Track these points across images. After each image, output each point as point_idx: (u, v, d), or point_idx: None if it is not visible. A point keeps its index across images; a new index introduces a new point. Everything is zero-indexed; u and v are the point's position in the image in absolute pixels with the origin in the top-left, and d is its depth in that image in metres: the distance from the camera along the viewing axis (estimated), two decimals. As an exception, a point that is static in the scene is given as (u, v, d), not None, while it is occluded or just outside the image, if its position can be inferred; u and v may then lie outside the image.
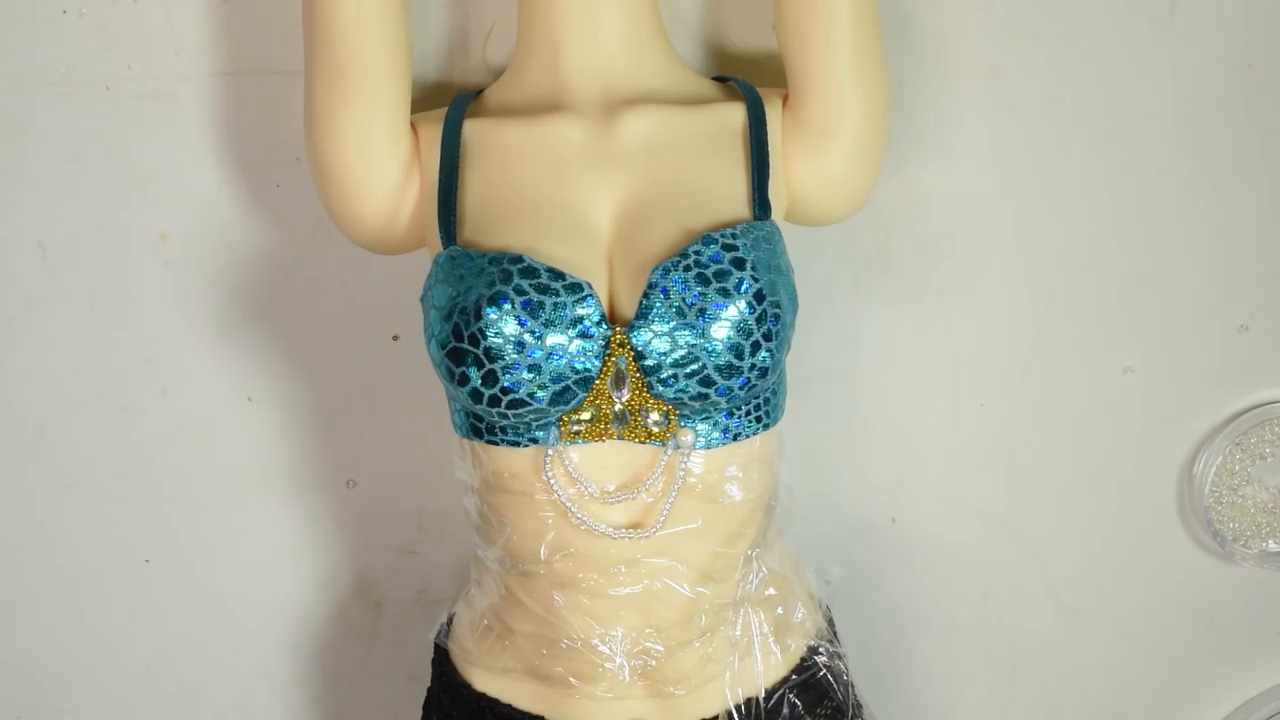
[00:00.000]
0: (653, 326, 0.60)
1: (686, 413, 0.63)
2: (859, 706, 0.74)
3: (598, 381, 0.61)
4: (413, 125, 0.68)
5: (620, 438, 0.63)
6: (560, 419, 0.62)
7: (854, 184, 0.70)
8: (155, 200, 0.80)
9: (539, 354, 0.60)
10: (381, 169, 0.67)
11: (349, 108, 0.66)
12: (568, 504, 0.63)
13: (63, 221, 0.81)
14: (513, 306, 0.59)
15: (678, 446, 0.63)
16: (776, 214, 0.66)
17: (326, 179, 0.68)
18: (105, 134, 0.79)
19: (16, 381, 0.84)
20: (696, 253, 0.61)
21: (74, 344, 0.83)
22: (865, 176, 0.70)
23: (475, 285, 0.60)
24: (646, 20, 0.68)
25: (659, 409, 0.62)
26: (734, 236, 0.61)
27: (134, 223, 0.81)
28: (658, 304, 0.60)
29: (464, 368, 0.60)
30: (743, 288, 0.60)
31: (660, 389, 0.61)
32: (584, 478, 0.63)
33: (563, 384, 0.61)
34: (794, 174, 0.69)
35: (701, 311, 0.60)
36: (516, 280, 0.60)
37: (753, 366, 0.61)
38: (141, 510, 0.87)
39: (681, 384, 0.61)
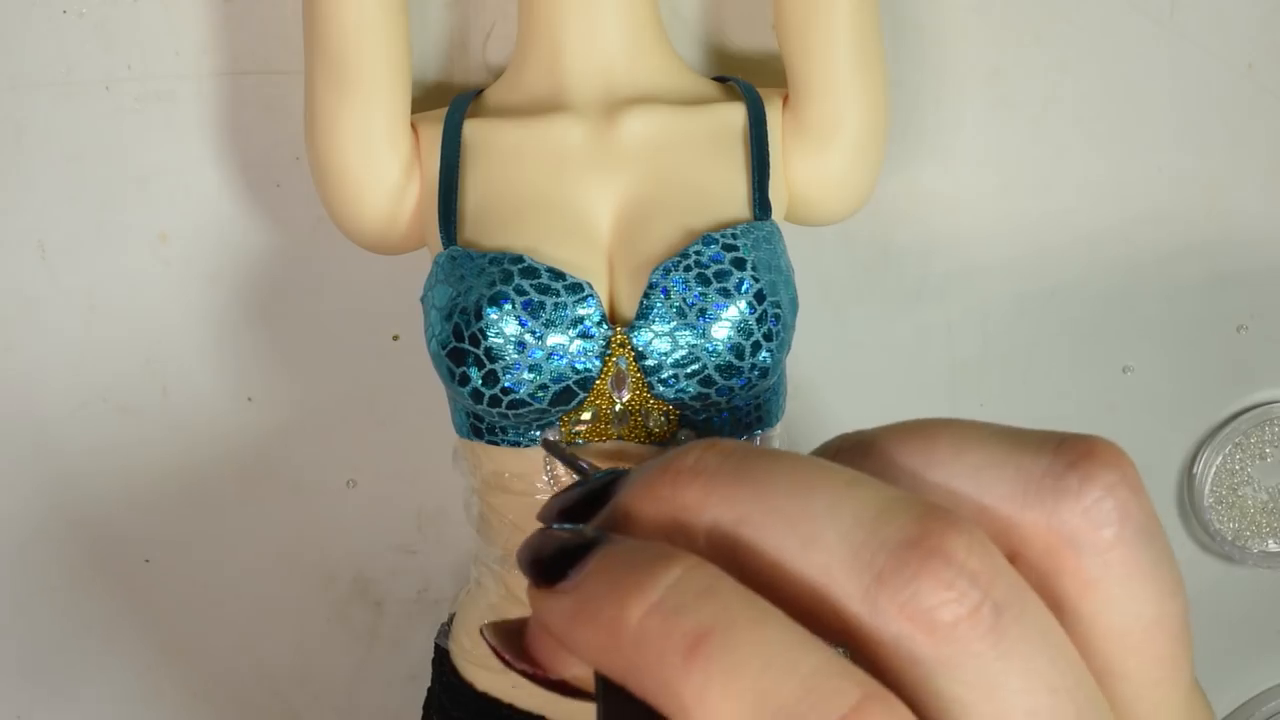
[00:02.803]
0: (653, 327, 0.60)
1: (686, 413, 0.63)
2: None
3: (598, 382, 0.61)
4: (413, 125, 0.68)
5: (621, 438, 0.63)
6: (561, 419, 0.62)
7: (854, 184, 0.70)
8: (155, 200, 0.80)
9: (539, 354, 0.60)
10: (381, 169, 0.67)
11: (349, 108, 0.66)
12: (568, 504, 0.63)
13: (62, 221, 0.80)
14: (513, 307, 0.59)
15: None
16: (776, 214, 0.66)
17: (326, 179, 0.68)
18: (105, 134, 0.78)
19: (16, 381, 0.84)
20: (697, 253, 0.61)
21: (74, 344, 0.83)
22: (865, 176, 0.70)
23: (476, 285, 0.60)
24: (646, 20, 0.68)
25: (659, 409, 0.62)
26: (734, 236, 0.61)
27: (134, 222, 0.80)
28: (658, 304, 0.60)
29: (464, 368, 0.60)
30: (743, 288, 0.60)
31: (661, 389, 0.61)
32: (585, 478, 0.63)
33: (563, 384, 0.60)
34: (794, 174, 0.68)
35: (702, 312, 0.60)
36: (517, 280, 0.60)
37: (753, 367, 0.61)
38: (141, 510, 0.87)
39: (682, 384, 0.61)
